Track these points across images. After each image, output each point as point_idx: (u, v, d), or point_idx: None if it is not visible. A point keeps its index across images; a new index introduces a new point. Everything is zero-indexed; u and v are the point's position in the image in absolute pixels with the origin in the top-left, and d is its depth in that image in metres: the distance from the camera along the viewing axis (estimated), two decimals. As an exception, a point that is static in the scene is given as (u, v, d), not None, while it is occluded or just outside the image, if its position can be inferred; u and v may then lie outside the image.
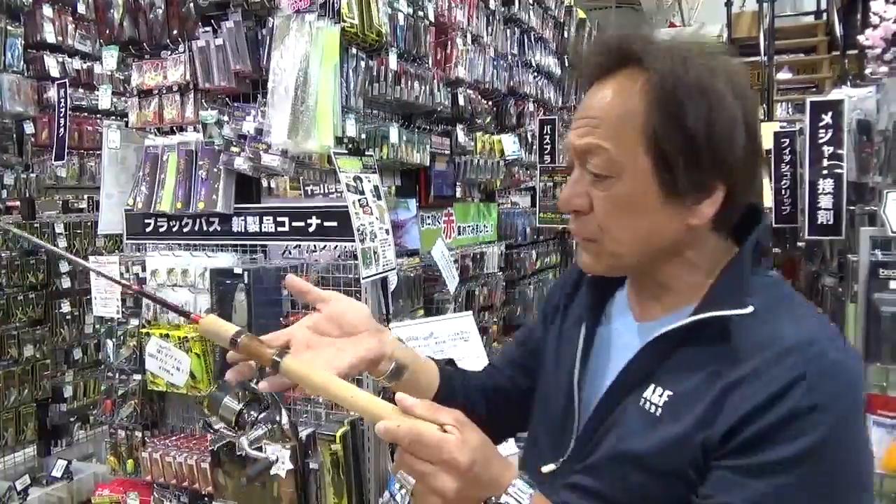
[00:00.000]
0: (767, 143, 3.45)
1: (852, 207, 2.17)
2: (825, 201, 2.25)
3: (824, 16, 7.41)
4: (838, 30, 6.24)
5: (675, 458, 0.78)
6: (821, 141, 2.26)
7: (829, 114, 2.24)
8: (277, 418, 0.97)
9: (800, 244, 3.33)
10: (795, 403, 0.72)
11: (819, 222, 2.26)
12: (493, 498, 0.77)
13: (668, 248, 0.84)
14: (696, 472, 0.77)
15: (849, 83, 3.83)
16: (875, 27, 2.89)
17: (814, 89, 7.04)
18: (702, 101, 0.77)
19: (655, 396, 0.82)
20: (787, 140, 2.95)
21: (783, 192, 2.98)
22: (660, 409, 0.81)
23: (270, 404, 0.96)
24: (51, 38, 3.88)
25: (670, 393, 0.81)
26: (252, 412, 0.96)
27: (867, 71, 2.92)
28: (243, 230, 2.10)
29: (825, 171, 2.25)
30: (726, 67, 0.81)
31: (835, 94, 2.43)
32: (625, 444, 0.82)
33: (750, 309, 0.78)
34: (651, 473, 0.79)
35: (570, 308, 1.03)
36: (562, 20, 4.53)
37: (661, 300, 0.88)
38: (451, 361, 1.17)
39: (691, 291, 0.85)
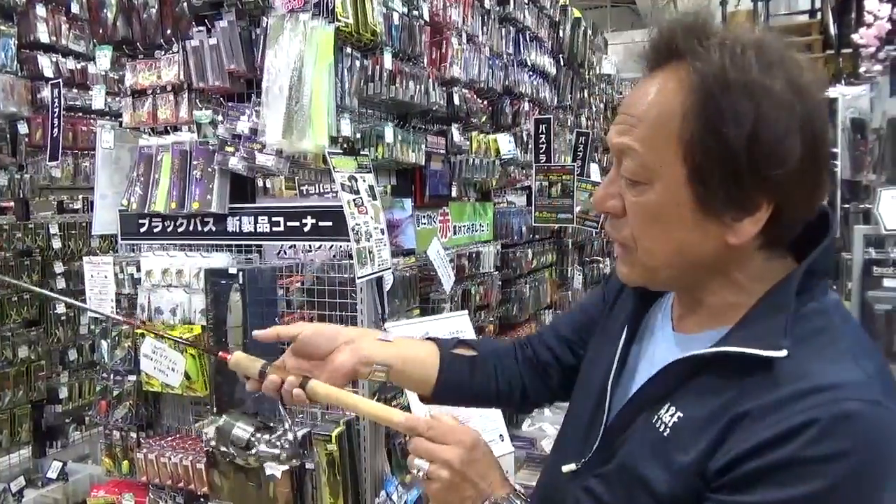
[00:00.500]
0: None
1: (846, 205, 2.18)
2: (820, 199, 2.26)
3: (818, 15, 7.43)
4: (832, 29, 6.25)
5: (677, 485, 0.74)
6: (815, 139, 2.27)
7: (824, 112, 2.25)
8: (289, 439, 1.14)
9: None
10: (799, 449, 0.65)
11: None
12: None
13: (710, 265, 0.77)
14: (698, 501, 0.73)
15: (843, 82, 3.84)
16: (869, 26, 2.90)
17: (808, 88, 7.06)
18: (747, 108, 0.68)
19: (667, 416, 0.78)
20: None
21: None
22: (668, 430, 0.77)
23: (282, 429, 1.14)
24: (44, 37, 3.86)
25: (681, 415, 0.76)
26: (263, 436, 1.12)
27: (861, 69, 2.93)
28: (238, 230, 2.10)
29: (819, 170, 2.25)
30: (788, 66, 0.71)
31: (829, 93, 2.44)
32: (632, 461, 0.80)
33: (783, 353, 0.70)
34: (653, 496, 0.76)
35: (617, 304, 0.99)
36: (557, 20, 4.53)
37: (699, 314, 0.82)
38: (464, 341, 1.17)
39: (731, 311, 0.78)
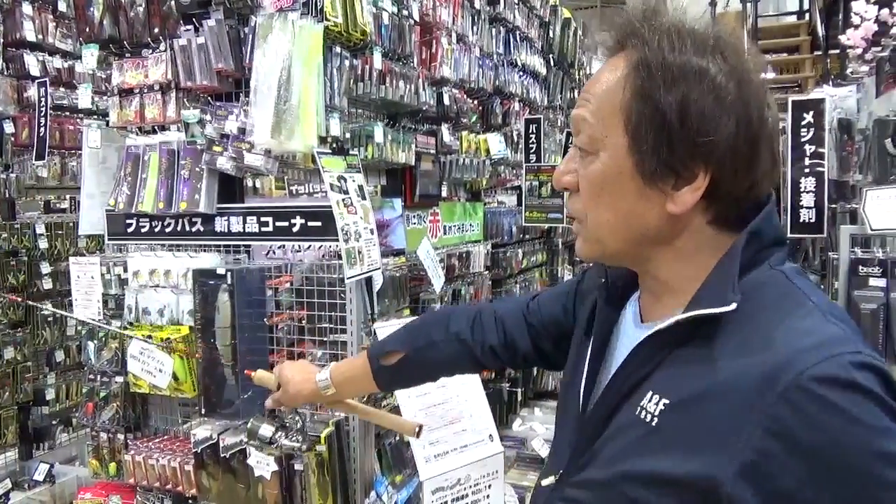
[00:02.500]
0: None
1: (834, 205, 2.20)
2: (807, 199, 2.27)
3: (807, 16, 7.49)
4: (820, 30, 6.30)
5: (678, 472, 0.71)
6: (803, 140, 2.28)
7: (811, 113, 2.26)
8: (300, 437, 1.51)
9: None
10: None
11: (801, 220, 2.28)
12: None
13: (656, 236, 0.80)
14: (705, 489, 0.69)
15: (831, 82, 3.87)
16: (856, 27, 2.92)
17: (797, 88, 7.11)
18: (681, 81, 0.74)
19: (651, 404, 0.76)
20: (770, 139, 2.97)
21: (766, 190, 3.01)
22: (656, 419, 0.75)
23: (296, 428, 1.50)
24: (31, 36, 3.83)
25: (667, 401, 0.74)
26: (281, 433, 1.47)
27: (848, 70, 2.95)
28: (226, 230, 2.08)
29: (807, 170, 2.27)
30: (725, 52, 0.76)
31: (816, 94, 2.46)
32: (622, 458, 0.77)
33: (733, 306, 0.71)
34: (650, 489, 0.73)
35: (586, 306, 1.00)
36: (547, 19, 4.54)
37: (661, 300, 0.84)
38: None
39: (689, 286, 0.79)
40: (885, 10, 2.94)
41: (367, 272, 1.97)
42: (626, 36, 0.80)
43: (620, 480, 0.76)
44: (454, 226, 3.21)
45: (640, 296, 0.89)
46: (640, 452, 0.75)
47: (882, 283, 1.55)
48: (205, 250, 2.11)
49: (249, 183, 2.24)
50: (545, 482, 0.89)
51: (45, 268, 3.83)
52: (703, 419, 0.71)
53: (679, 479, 0.71)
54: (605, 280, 0.93)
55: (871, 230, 1.57)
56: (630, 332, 0.88)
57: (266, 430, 1.45)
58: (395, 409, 1.97)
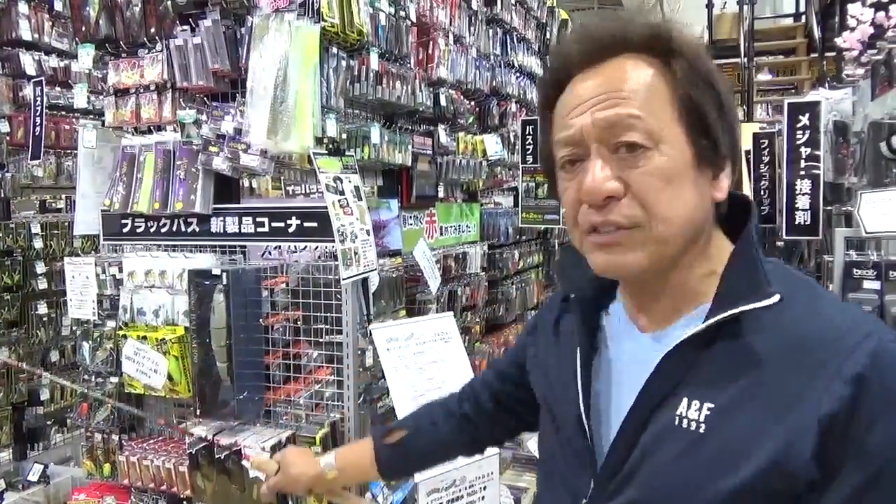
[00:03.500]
0: (747, 143, 3.48)
1: (829, 208, 2.20)
2: (803, 202, 2.27)
3: (803, 18, 7.51)
4: (816, 32, 6.32)
5: (743, 475, 0.69)
6: (798, 142, 2.28)
7: (807, 115, 2.26)
8: None
9: (779, 244, 3.37)
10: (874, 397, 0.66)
11: (797, 223, 2.28)
12: None
13: (702, 231, 0.80)
14: (778, 480, 0.68)
15: (827, 85, 3.87)
16: (852, 30, 2.93)
17: (793, 91, 7.13)
18: (710, 64, 0.79)
19: (693, 412, 0.73)
20: (766, 141, 2.97)
21: (762, 192, 3.01)
22: (702, 426, 0.72)
23: None
24: (26, 35, 3.82)
25: (711, 405, 0.72)
26: None
27: (844, 73, 2.96)
28: (222, 231, 2.08)
29: (803, 172, 2.27)
30: (703, 44, 0.85)
31: (812, 96, 2.46)
32: (667, 472, 0.74)
33: (776, 298, 0.73)
34: (710, 494, 0.71)
35: (559, 336, 0.96)
36: (544, 21, 4.54)
37: (660, 302, 0.82)
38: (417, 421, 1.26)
39: (703, 286, 0.79)
40: (881, 13, 2.94)
41: (363, 273, 1.97)
42: (657, 40, 0.79)
43: (669, 495, 0.74)
44: (451, 227, 3.21)
45: (632, 304, 0.86)
46: (690, 464, 0.73)
47: (876, 285, 1.56)
48: (200, 251, 2.11)
49: (246, 183, 2.24)
50: None
51: (41, 268, 3.81)
52: (766, 408, 0.70)
53: (744, 483, 0.69)
54: (576, 296, 0.91)
55: (866, 233, 1.57)
56: (636, 342, 0.84)
57: None
58: (391, 410, 1.97)
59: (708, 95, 0.77)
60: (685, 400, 0.74)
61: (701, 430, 0.73)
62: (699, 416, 0.73)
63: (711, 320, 0.74)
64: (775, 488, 0.69)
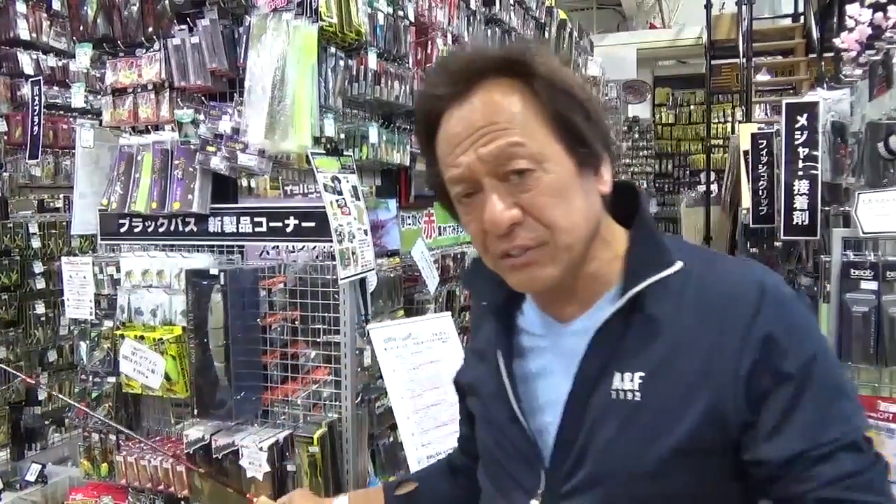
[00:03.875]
0: (745, 144, 3.49)
1: (827, 208, 2.20)
2: (801, 202, 2.28)
3: (801, 19, 7.51)
4: (815, 32, 6.32)
5: (680, 428, 0.78)
6: (797, 142, 2.29)
7: (805, 116, 2.27)
8: None
9: (776, 244, 3.37)
10: (779, 334, 0.77)
11: (795, 223, 2.29)
12: None
13: (596, 228, 0.87)
14: (714, 429, 0.78)
15: (825, 85, 3.88)
16: (850, 30, 2.93)
17: (791, 91, 7.13)
18: (569, 78, 0.84)
19: (627, 384, 0.81)
20: (765, 141, 2.98)
21: (760, 192, 3.02)
22: (637, 394, 0.80)
23: None
24: (24, 34, 3.82)
25: (641, 374, 0.81)
26: None
27: (842, 73, 2.96)
28: (220, 230, 2.08)
29: (801, 173, 2.27)
30: (558, 58, 0.88)
31: (810, 97, 2.47)
32: (616, 443, 0.81)
33: (680, 265, 0.83)
34: (656, 454, 0.79)
35: (482, 349, 1.01)
36: (543, 21, 4.54)
37: (581, 291, 0.88)
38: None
39: (609, 271, 0.87)
40: (880, 14, 2.95)
41: (361, 273, 1.96)
42: (512, 63, 0.84)
43: (618, 463, 0.81)
44: (449, 226, 3.21)
45: (543, 302, 0.93)
46: (635, 431, 0.80)
47: (874, 286, 1.56)
48: (198, 250, 2.11)
49: (244, 183, 2.23)
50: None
51: (38, 267, 3.81)
52: (690, 366, 0.79)
53: (684, 438, 0.78)
54: (488, 304, 0.96)
55: (863, 233, 1.57)
56: (557, 334, 0.91)
57: None
58: (389, 411, 1.97)
59: (573, 106, 0.83)
60: (617, 374, 0.82)
61: (637, 399, 0.80)
62: (633, 385, 0.81)
63: (626, 297, 0.82)
64: (713, 437, 0.78)
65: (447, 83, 0.84)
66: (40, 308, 3.83)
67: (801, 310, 0.82)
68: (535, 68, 0.82)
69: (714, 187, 7.54)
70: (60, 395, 2.16)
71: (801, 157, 2.28)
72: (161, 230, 2.16)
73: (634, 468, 0.80)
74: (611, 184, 0.88)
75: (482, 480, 1.01)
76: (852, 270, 1.59)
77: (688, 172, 10.94)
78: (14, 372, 3.07)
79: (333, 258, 1.90)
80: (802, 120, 2.28)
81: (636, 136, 10.76)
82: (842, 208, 2.04)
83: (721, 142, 9.87)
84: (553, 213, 0.81)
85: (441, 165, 0.87)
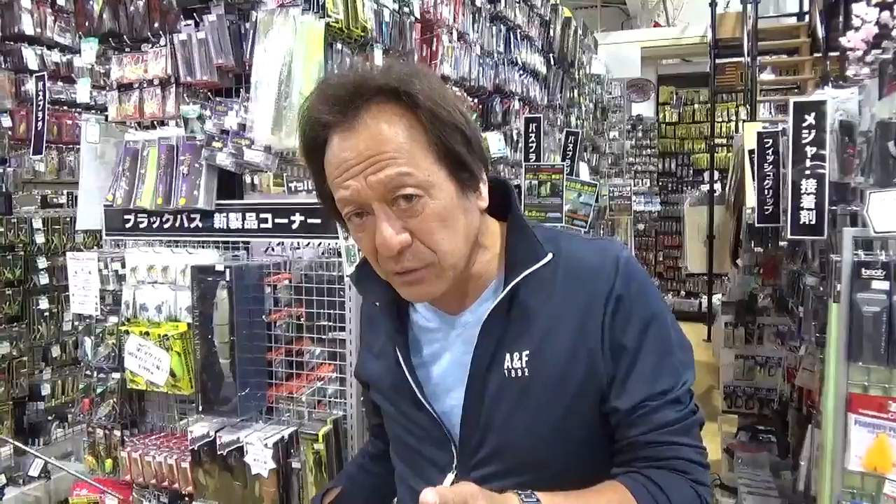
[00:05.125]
0: (750, 143, 3.47)
1: (834, 208, 2.19)
2: (808, 201, 2.26)
3: (806, 17, 7.49)
4: (820, 31, 6.30)
5: (567, 393, 0.92)
6: (804, 141, 2.27)
7: (812, 115, 2.25)
8: None
9: (781, 243, 3.36)
10: (622, 293, 0.93)
11: (801, 222, 2.27)
12: None
13: (475, 239, 0.96)
14: (593, 389, 0.93)
15: (830, 84, 3.86)
16: (857, 29, 2.92)
17: (796, 90, 7.11)
18: (449, 105, 0.89)
19: (516, 362, 0.93)
20: (771, 140, 2.96)
21: (766, 191, 3.00)
22: (526, 370, 0.93)
23: None
24: (29, 30, 3.82)
25: (527, 351, 0.93)
26: None
27: (850, 73, 2.95)
28: (225, 227, 2.07)
29: (808, 172, 2.26)
30: (438, 82, 0.94)
31: (818, 95, 2.45)
32: (514, 416, 0.93)
33: (550, 256, 0.95)
34: (550, 418, 0.92)
35: (374, 345, 1.11)
36: (548, 18, 4.53)
37: (466, 290, 0.99)
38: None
39: (490, 267, 0.99)
40: (886, 13, 2.93)
41: (367, 270, 1.96)
42: (396, 91, 0.88)
43: (519, 432, 0.93)
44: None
45: (435, 299, 0.99)
46: (529, 403, 0.93)
47: (885, 285, 1.55)
48: (203, 247, 2.10)
49: (248, 179, 2.23)
50: (446, 483, 0.96)
51: (42, 262, 3.81)
52: (566, 336, 0.93)
53: (571, 401, 0.92)
54: (380, 303, 1.04)
55: (875, 233, 1.56)
56: (450, 325, 1.01)
57: None
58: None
59: (454, 134, 0.89)
60: (507, 355, 0.94)
61: (526, 374, 0.93)
62: (521, 363, 0.93)
63: (507, 288, 0.94)
64: (595, 391, 0.93)
65: (333, 110, 0.88)
66: (44, 303, 3.83)
67: (645, 279, 0.97)
68: (418, 99, 0.87)
69: (717, 186, 7.52)
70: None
71: (809, 156, 2.26)
72: (166, 226, 2.15)
73: (533, 435, 0.93)
74: (487, 195, 0.96)
75: (396, 463, 1.11)
76: (863, 270, 1.58)
77: (691, 171, 10.91)
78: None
79: (339, 255, 1.89)
80: (810, 119, 2.26)
81: (640, 134, 10.74)
82: (849, 208, 2.03)
83: (725, 141, 9.84)
84: (438, 238, 0.89)
85: (330, 184, 0.92)
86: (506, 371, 0.93)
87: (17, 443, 3.49)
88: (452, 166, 0.90)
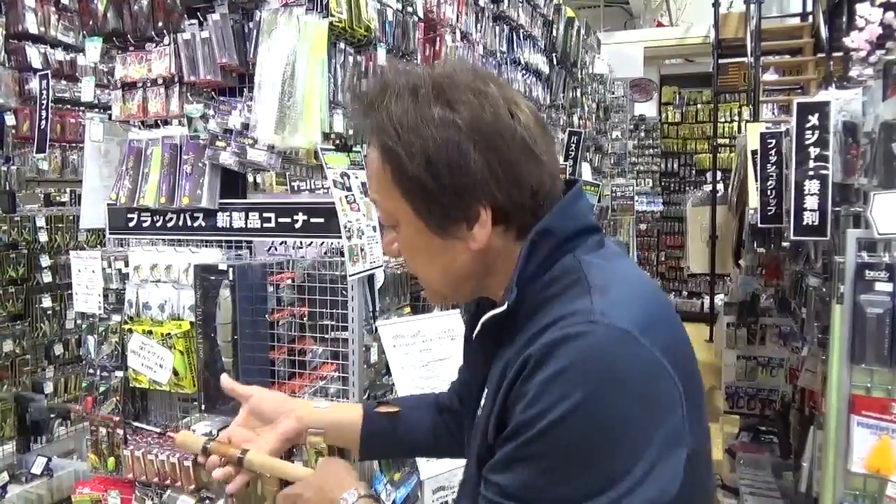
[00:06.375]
0: (753, 143, 3.47)
1: (837, 209, 2.18)
2: (811, 202, 2.26)
3: (810, 18, 7.47)
4: (824, 32, 6.28)
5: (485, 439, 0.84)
6: (807, 142, 2.27)
7: (816, 115, 2.25)
8: None
9: (784, 244, 3.36)
10: (529, 376, 0.74)
11: (805, 223, 2.27)
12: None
13: (478, 270, 0.88)
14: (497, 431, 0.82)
15: (833, 85, 3.86)
16: (860, 30, 2.92)
17: (799, 91, 7.10)
18: (419, 148, 0.80)
19: (483, 399, 0.91)
20: (773, 141, 2.96)
21: (769, 192, 3.00)
22: (484, 410, 0.88)
23: None
24: (33, 28, 3.82)
25: (487, 390, 0.88)
26: None
27: (853, 73, 2.94)
28: (228, 226, 2.08)
29: (811, 173, 2.26)
30: (449, 94, 0.81)
31: (822, 96, 2.45)
32: (476, 458, 0.89)
33: (504, 307, 0.82)
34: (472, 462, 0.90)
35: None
36: (551, 18, 4.53)
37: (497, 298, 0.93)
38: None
39: (502, 290, 0.89)
40: (890, 13, 2.93)
41: (370, 270, 1.96)
42: (364, 124, 0.87)
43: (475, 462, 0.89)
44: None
45: None
46: (479, 442, 0.86)
47: (889, 287, 1.55)
48: (206, 245, 2.11)
49: (250, 178, 2.23)
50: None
51: (45, 261, 3.82)
52: (498, 386, 0.81)
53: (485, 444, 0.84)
54: (467, 306, 1.06)
55: (878, 234, 1.56)
56: None
57: None
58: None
59: (420, 172, 0.81)
60: (486, 391, 0.89)
61: (479, 413, 0.92)
62: (483, 402, 0.91)
63: (477, 327, 0.88)
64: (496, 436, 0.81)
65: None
66: (47, 302, 3.83)
67: (580, 376, 0.73)
68: (384, 141, 0.83)
69: (720, 187, 7.51)
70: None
71: (812, 156, 2.26)
72: (170, 225, 2.15)
73: (467, 471, 0.93)
74: (486, 237, 0.84)
75: None
76: (867, 272, 1.58)
77: (694, 171, 10.89)
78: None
79: (341, 254, 1.89)
80: (813, 119, 2.26)
81: (642, 134, 10.73)
82: (853, 209, 2.03)
83: (727, 141, 9.83)
84: (412, 265, 0.92)
85: None
86: (480, 409, 0.92)
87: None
88: (419, 204, 0.84)
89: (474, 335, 0.90)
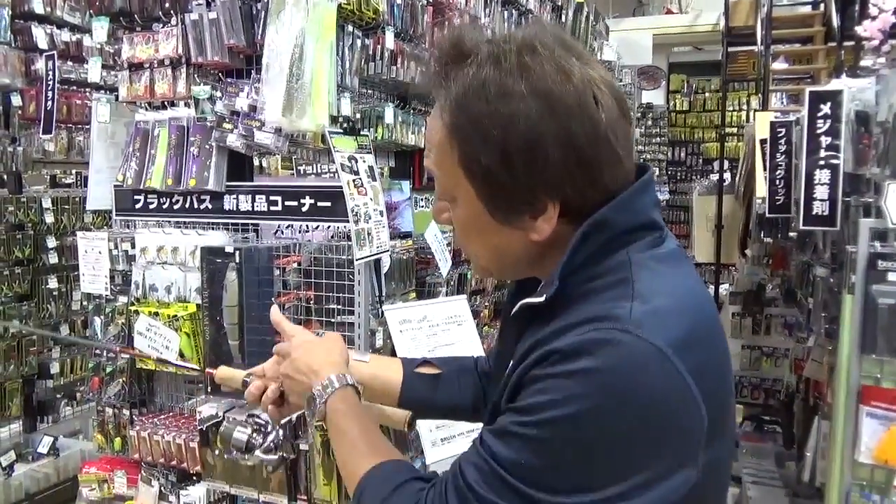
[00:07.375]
0: (762, 132, 3.44)
1: (847, 199, 2.16)
2: (821, 192, 2.24)
3: (822, 6, 7.38)
4: (835, 20, 6.21)
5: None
6: (818, 131, 2.24)
7: (828, 104, 2.22)
8: (279, 439, 1.28)
9: (791, 234, 3.33)
10: (550, 365, 0.72)
11: (814, 213, 2.25)
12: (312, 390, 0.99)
13: (533, 255, 0.84)
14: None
15: (844, 74, 3.81)
16: (873, 18, 2.88)
17: (809, 80, 7.03)
18: (494, 132, 0.75)
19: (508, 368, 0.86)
20: (784, 130, 2.93)
21: (777, 181, 2.97)
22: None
23: (273, 429, 1.28)
24: (39, 8, 3.80)
25: (512, 362, 0.83)
26: (258, 437, 1.26)
27: (866, 62, 2.91)
28: (235, 209, 2.07)
29: (822, 162, 2.23)
30: (533, 77, 0.74)
31: (834, 85, 2.42)
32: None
33: (542, 298, 0.78)
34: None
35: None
36: (559, 3, 4.49)
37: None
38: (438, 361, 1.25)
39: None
40: (905, 2, 2.89)
41: (377, 254, 1.96)
42: (431, 85, 0.82)
43: None
44: (462, 210, 3.19)
45: None
46: (490, 410, 0.86)
47: (901, 277, 1.54)
48: (213, 228, 2.10)
49: (256, 162, 2.22)
50: None
51: (51, 242, 3.82)
52: (518, 369, 0.78)
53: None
54: (509, 288, 1.02)
55: (892, 224, 1.55)
56: None
57: (241, 433, 1.25)
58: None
59: (484, 158, 0.76)
60: (511, 363, 0.84)
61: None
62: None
63: (518, 306, 0.83)
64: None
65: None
66: (53, 283, 3.85)
67: (581, 376, 0.71)
68: (457, 118, 0.77)
69: (727, 176, 7.47)
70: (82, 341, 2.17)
71: (823, 146, 2.24)
72: (176, 207, 2.15)
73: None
74: (549, 231, 0.80)
75: None
76: (879, 262, 1.56)
77: (701, 160, 10.85)
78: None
79: (348, 238, 1.89)
80: (825, 108, 2.23)
81: (649, 122, 10.66)
82: (863, 199, 2.01)
83: (735, 130, 9.76)
84: (463, 242, 0.89)
85: None
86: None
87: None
88: (484, 190, 0.79)
89: (511, 314, 0.87)
